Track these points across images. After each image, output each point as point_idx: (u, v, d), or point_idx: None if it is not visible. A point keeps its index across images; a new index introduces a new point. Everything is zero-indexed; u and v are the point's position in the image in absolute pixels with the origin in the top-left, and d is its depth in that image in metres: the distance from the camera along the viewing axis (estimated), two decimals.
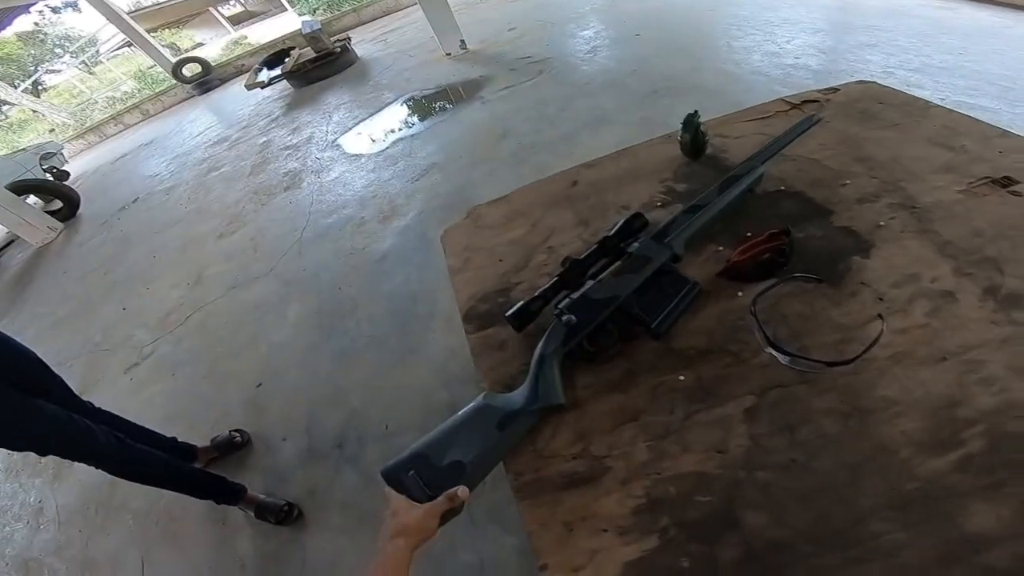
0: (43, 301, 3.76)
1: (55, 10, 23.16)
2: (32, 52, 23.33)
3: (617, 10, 5.67)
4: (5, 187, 5.11)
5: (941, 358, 0.64)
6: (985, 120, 0.96)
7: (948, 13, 3.70)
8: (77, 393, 1.58)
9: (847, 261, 0.78)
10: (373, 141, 4.21)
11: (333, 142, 4.44)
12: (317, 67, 6.61)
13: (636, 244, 0.80)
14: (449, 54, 5.63)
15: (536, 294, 0.78)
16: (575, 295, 0.76)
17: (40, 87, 23.72)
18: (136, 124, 9.61)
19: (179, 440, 1.83)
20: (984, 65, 2.87)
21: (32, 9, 12.95)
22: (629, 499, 0.60)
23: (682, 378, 0.70)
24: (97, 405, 1.64)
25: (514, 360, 0.79)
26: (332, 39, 7.16)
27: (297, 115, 5.55)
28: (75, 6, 22.13)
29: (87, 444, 1.37)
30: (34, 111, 19.95)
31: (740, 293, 0.78)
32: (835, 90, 1.24)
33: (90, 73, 24.00)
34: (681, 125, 1.11)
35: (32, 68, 23.67)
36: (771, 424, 0.63)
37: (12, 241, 5.35)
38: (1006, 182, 0.85)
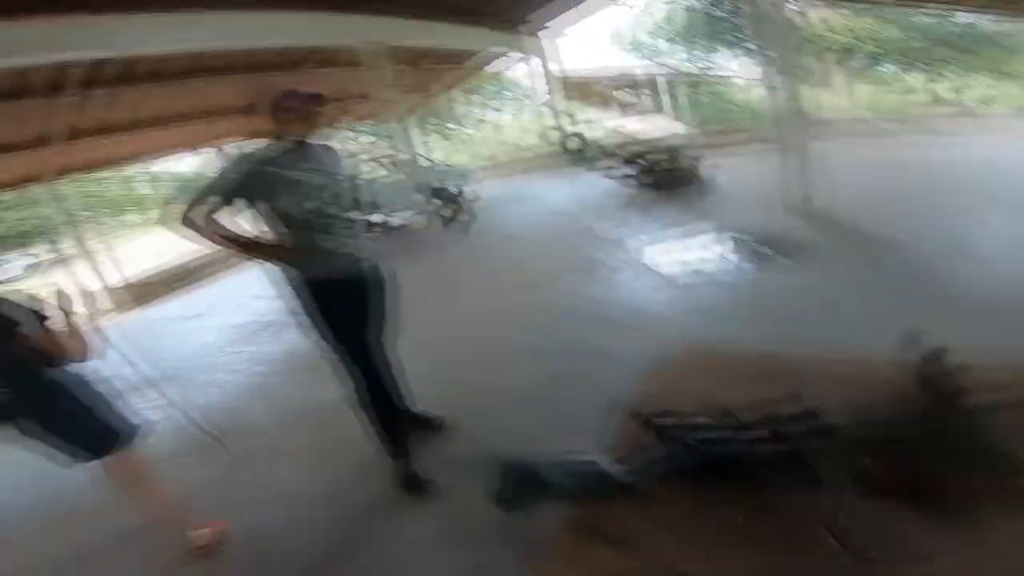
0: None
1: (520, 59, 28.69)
2: (491, 89, 29.95)
3: None
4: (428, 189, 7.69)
5: None
6: None
7: None
8: None
9: None
10: (675, 263, 4.61)
11: (640, 249, 5.13)
12: (664, 177, 7.55)
13: None
14: (793, 205, 5.54)
15: None
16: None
17: (481, 120, 31.55)
18: (520, 176, 12.44)
19: None
20: None
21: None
22: None
23: None
24: None
25: None
26: (688, 153, 8.00)
27: (626, 214, 6.57)
28: (528, 60, 27.46)
29: None
30: (469, 135, 26.91)
31: None
32: None
33: (515, 120, 31.04)
34: None
35: (486, 102, 31.50)
36: None
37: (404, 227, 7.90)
38: None
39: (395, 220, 8.51)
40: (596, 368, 2.98)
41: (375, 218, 7.78)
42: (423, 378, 3.00)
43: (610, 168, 8.34)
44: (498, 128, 30.90)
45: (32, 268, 21.62)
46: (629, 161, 8.50)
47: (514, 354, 3.52)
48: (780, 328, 3.08)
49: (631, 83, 27.71)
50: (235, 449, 3.06)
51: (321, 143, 2.30)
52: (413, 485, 2.29)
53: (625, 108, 26.47)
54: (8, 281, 18.23)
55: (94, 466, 2.20)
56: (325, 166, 2.21)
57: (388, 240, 7.53)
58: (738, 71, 20.66)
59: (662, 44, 27.74)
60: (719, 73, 20.88)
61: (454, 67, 12.60)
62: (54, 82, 5.90)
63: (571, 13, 12.08)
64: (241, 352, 5.01)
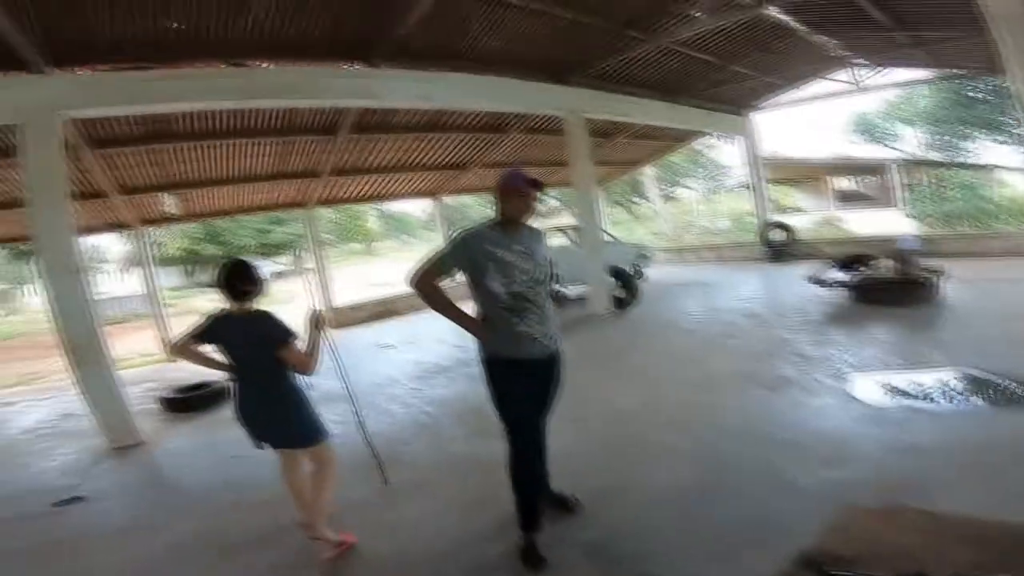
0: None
1: (717, 138, 26.73)
2: (683, 165, 29.31)
3: None
4: (607, 266, 7.71)
5: None
6: None
7: None
8: None
9: None
10: (889, 394, 3.89)
11: (843, 374, 4.37)
12: (886, 290, 6.41)
13: None
14: None
15: None
16: None
17: (670, 197, 30.98)
18: (707, 263, 11.81)
19: None
20: None
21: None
22: None
23: None
24: None
25: None
26: (922, 260, 6.73)
27: (831, 329, 5.68)
28: (732, 139, 25.66)
29: None
30: (655, 212, 26.61)
31: None
32: None
33: (706, 199, 29.90)
34: None
35: (676, 178, 30.95)
36: None
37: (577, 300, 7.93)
38: None
39: (571, 292, 8.65)
40: (763, 492, 2.70)
41: (553, 286, 7.97)
42: (570, 457, 2.96)
43: (818, 270, 7.31)
44: (687, 208, 29.90)
45: (276, 275, 27.13)
46: (844, 264, 7.44)
47: (670, 453, 3.28)
48: (1013, 488, 2.43)
49: (855, 170, 24.30)
50: (391, 476, 3.27)
51: (530, 225, 2.46)
52: (530, 559, 2.32)
53: (845, 199, 23.16)
54: None
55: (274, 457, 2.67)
56: (532, 250, 2.36)
57: (560, 311, 7.68)
58: (1001, 162, 16.73)
59: (899, 127, 24.06)
60: (973, 163, 17.14)
61: (651, 141, 12.69)
62: (331, 124, 7.39)
63: (790, 93, 11.40)
64: (417, 389, 5.43)
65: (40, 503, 3.69)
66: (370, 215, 37.63)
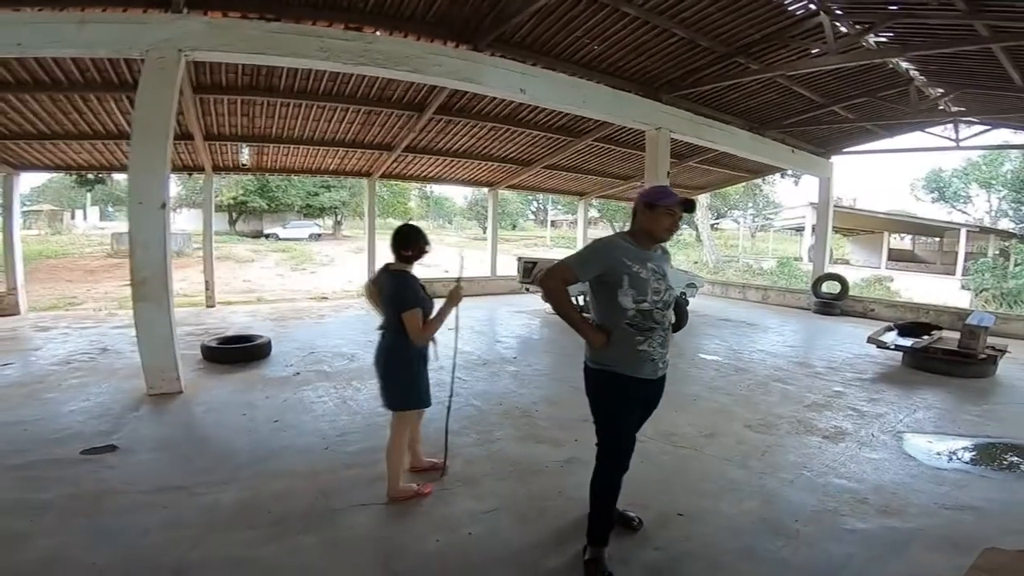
0: None
1: (783, 175, 23.94)
2: (736, 197, 28.19)
3: None
4: None
5: None
6: None
7: None
8: None
9: None
10: (935, 456, 3.98)
11: (897, 432, 4.35)
12: (944, 360, 6.24)
13: None
14: None
15: None
16: None
17: (714, 227, 30.42)
18: (751, 303, 11.49)
19: None
20: None
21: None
22: None
23: None
24: None
25: None
26: (988, 344, 6.50)
27: (884, 388, 5.59)
28: (798, 179, 24.37)
29: None
30: (699, 240, 26.15)
31: None
32: None
33: (752, 235, 29.32)
34: None
35: (725, 209, 30.37)
36: None
37: None
38: None
39: None
40: (823, 535, 2.74)
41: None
42: (629, 477, 2.95)
43: (879, 331, 7.03)
44: (731, 242, 29.21)
45: (313, 237, 27.43)
46: (907, 330, 7.18)
47: (731, 487, 3.27)
48: None
49: (916, 229, 23.30)
50: (450, 469, 3.27)
51: (662, 244, 2.39)
52: (598, 573, 2.30)
53: (898, 259, 22.16)
54: (294, 239, 24.49)
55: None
56: (664, 270, 2.30)
57: None
58: None
59: (973, 189, 22.61)
60: None
61: (723, 170, 12.48)
62: (421, 101, 7.43)
63: (882, 141, 11.04)
64: (460, 379, 5.31)
65: (69, 448, 3.44)
66: (412, 194, 37.91)
